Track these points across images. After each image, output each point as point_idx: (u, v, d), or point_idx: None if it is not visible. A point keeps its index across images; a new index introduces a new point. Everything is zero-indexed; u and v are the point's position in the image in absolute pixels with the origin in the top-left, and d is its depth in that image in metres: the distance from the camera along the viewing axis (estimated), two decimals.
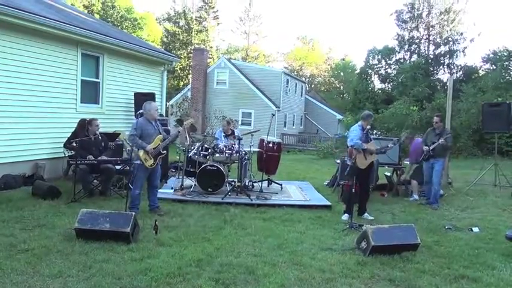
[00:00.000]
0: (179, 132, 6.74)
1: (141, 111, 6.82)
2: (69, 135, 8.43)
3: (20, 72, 8.29)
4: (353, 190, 6.43)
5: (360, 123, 6.99)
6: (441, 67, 39.56)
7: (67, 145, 8.36)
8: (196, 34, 44.58)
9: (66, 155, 8.61)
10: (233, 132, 8.94)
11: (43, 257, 4.37)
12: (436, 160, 7.94)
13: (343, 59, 61.66)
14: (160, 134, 6.47)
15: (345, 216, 6.75)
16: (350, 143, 6.75)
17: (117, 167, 7.72)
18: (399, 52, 41.30)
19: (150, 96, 10.74)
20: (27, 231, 5.22)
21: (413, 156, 8.87)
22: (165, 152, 6.56)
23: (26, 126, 8.51)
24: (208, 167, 7.86)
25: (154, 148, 6.29)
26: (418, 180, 8.74)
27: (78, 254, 4.49)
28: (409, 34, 40.09)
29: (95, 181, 7.73)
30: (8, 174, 7.94)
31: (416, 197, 8.58)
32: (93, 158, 7.34)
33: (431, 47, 39.59)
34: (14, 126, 8.26)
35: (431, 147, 7.90)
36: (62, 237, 5.02)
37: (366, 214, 6.93)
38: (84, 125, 8.25)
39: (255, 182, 8.80)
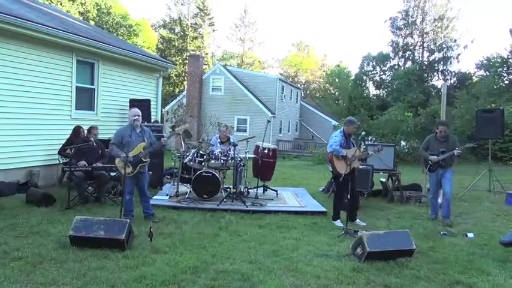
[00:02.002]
0: (164, 142, 6.61)
1: None
2: (64, 142, 8.40)
3: (14, 78, 8.27)
4: (348, 197, 6.46)
5: (341, 129, 7.02)
6: (435, 73, 39.90)
7: (62, 152, 8.33)
8: (192, 41, 44.71)
9: (61, 162, 8.58)
10: (229, 139, 8.95)
11: (37, 264, 4.34)
12: (445, 170, 7.20)
13: (338, 66, 61.96)
14: (145, 141, 6.34)
15: (338, 223, 6.77)
16: (329, 149, 6.75)
17: (112, 174, 7.70)
18: (394, 58, 41.62)
19: (145, 103, 10.76)
20: (21, 239, 5.18)
21: None
22: (147, 160, 6.36)
23: (20, 133, 8.47)
24: (204, 174, 7.85)
25: (134, 156, 6.17)
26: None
27: (73, 262, 4.46)
28: (404, 41, 40.42)
29: (89, 188, 7.70)
30: (2, 182, 7.89)
31: None
32: (84, 163, 7.30)
33: (426, 54, 39.95)
34: (7, 132, 8.22)
35: (440, 157, 7.11)
36: (56, 244, 4.99)
37: (357, 220, 6.92)
38: (79, 132, 8.25)
39: (250, 188, 8.79)
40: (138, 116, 6.40)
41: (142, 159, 6.29)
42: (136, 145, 6.28)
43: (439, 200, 7.66)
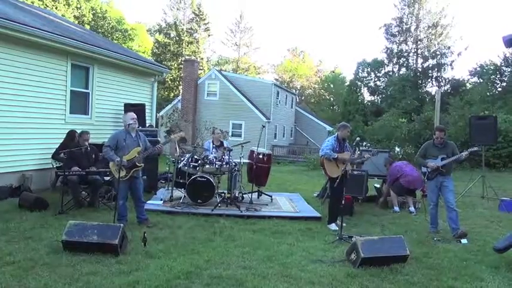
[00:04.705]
0: (160, 147, 6.62)
1: None
2: (57, 146, 8.36)
3: (9, 82, 8.22)
4: (342, 202, 6.48)
5: (335, 134, 7.18)
6: (429, 80, 40.22)
7: (55, 156, 8.28)
8: (187, 45, 44.76)
9: (54, 166, 8.52)
10: (222, 143, 8.94)
11: (29, 269, 4.30)
12: (445, 178, 6.73)
13: (333, 71, 62.24)
14: (140, 146, 6.35)
15: (333, 226, 6.80)
16: (321, 153, 6.97)
17: (106, 178, 7.66)
18: (388, 65, 41.93)
19: (140, 107, 10.72)
20: (13, 244, 5.14)
21: (390, 178, 9.00)
22: (142, 165, 6.34)
23: (14, 137, 8.41)
24: (198, 178, 7.83)
25: (128, 160, 6.18)
26: (395, 191, 8.78)
27: (65, 267, 4.42)
28: (398, 47, 40.73)
29: (83, 192, 7.65)
30: None
31: (397, 209, 8.63)
32: (77, 169, 7.26)
33: (420, 60, 40.26)
34: (0, 136, 8.16)
35: (441, 163, 6.66)
36: (48, 249, 4.95)
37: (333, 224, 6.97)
38: (74, 136, 8.20)
39: (245, 193, 8.78)
40: (135, 119, 6.44)
41: (137, 163, 6.27)
42: (131, 149, 6.27)
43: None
